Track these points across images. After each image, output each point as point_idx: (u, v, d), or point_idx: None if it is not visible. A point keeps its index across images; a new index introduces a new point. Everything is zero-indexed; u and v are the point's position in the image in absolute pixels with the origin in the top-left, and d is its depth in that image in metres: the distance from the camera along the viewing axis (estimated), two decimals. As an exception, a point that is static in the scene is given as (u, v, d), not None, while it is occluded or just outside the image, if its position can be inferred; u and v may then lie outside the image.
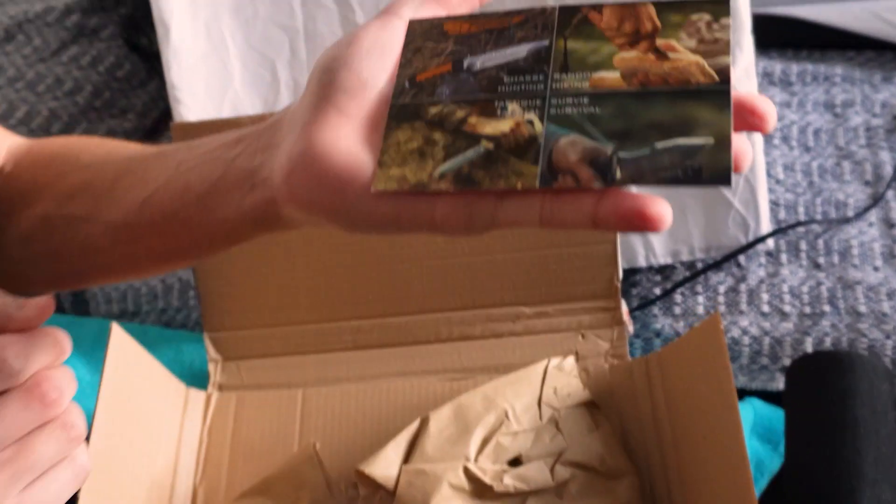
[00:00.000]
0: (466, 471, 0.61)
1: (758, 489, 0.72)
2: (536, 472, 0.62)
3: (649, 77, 0.29)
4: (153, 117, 0.87)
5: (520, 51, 0.31)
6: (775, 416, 0.74)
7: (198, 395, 0.73)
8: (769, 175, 0.84)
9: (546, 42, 0.31)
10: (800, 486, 0.60)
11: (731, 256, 0.78)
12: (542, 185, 0.28)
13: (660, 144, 0.28)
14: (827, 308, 0.77)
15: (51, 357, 0.32)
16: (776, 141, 0.87)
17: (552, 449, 0.64)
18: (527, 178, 0.29)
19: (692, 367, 0.65)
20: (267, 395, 0.73)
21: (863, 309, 0.77)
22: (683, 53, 0.29)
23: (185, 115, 0.71)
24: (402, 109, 0.32)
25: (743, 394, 0.76)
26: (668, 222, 0.27)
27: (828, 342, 0.75)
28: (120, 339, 0.63)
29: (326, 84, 0.32)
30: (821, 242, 0.81)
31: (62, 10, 0.89)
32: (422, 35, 0.33)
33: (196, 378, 0.75)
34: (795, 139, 0.88)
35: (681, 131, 0.28)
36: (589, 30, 0.31)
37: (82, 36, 0.89)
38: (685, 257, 0.79)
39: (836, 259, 0.80)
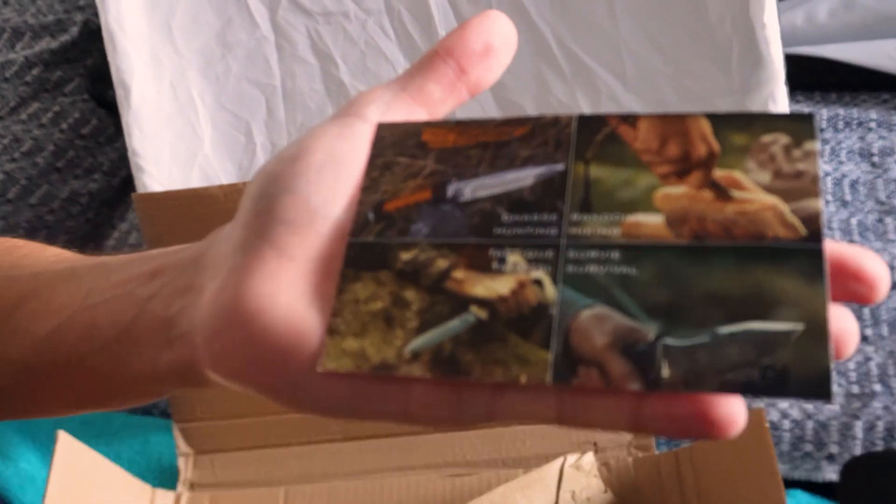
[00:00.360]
0: None
1: None
2: None
3: (706, 226, 0.21)
4: (122, 176, 0.79)
5: (524, 177, 0.23)
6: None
7: (166, 497, 0.66)
8: (804, 233, 0.75)
9: (560, 166, 0.23)
10: None
11: (766, 330, 0.70)
12: (556, 380, 0.20)
13: (724, 329, 0.20)
14: (878, 387, 0.68)
15: None
16: (810, 193, 0.79)
17: (569, 568, 0.56)
18: (534, 369, 0.20)
19: (730, 467, 0.57)
20: (245, 494, 0.67)
21: (917, 389, 0.68)
22: (753, 192, 0.21)
23: (150, 184, 0.64)
24: (364, 252, 0.24)
25: (785, 485, 0.68)
26: (742, 425, 0.19)
27: (880, 427, 0.66)
28: (68, 448, 0.56)
29: (263, 214, 0.24)
30: (867, 312, 0.72)
31: (22, 64, 0.82)
32: (393, 146, 0.25)
33: (165, 474, 0.68)
34: (831, 193, 0.79)
35: (754, 311, 0.19)
36: (619, 151, 0.22)
37: (44, 91, 0.82)
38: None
39: (885, 331, 0.71)
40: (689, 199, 0.21)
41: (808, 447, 0.68)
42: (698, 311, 0.20)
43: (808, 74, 0.85)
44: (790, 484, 0.68)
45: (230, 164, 0.66)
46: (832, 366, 0.19)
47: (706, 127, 0.22)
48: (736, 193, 0.21)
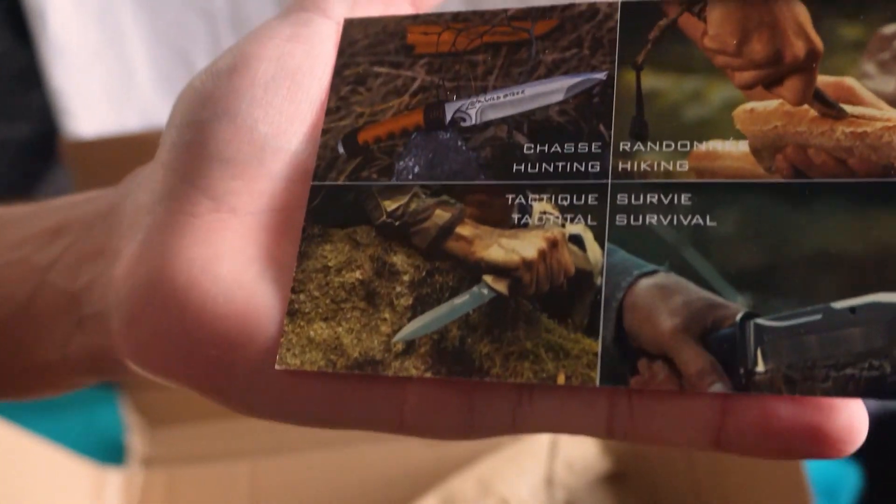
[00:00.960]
0: (459, 584, 0.49)
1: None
2: (548, 577, 0.51)
3: (809, 156, 0.16)
4: (54, 122, 0.73)
5: (552, 91, 0.18)
6: (837, 472, 0.62)
7: (115, 478, 0.61)
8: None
9: (601, 75, 0.17)
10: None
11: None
12: (608, 381, 0.15)
13: (842, 304, 0.15)
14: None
15: None
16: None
17: (568, 543, 0.53)
18: (576, 365, 0.15)
19: None
20: (206, 471, 0.63)
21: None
22: (874, 106, 0.16)
23: (78, 129, 0.57)
24: (334, 200, 0.18)
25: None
26: (861, 440, 0.15)
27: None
28: (-4, 431, 0.51)
29: (193, 150, 0.19)
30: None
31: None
32: (368, 51, 0.19)
33: (115, 451, 0.63)
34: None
35: (884, 276, 0.14)
36: (682, 51, 0.17)
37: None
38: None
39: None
40: (783, 118, 0.16)
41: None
42: (803, 278, 0.15)
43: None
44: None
45: (172, 102, 0.59)
46: None
47: (803, 15, 0.17)
48: (850, 109, 0.16)
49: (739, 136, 0.16)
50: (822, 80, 0.16)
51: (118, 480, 0.61)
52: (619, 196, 0.16)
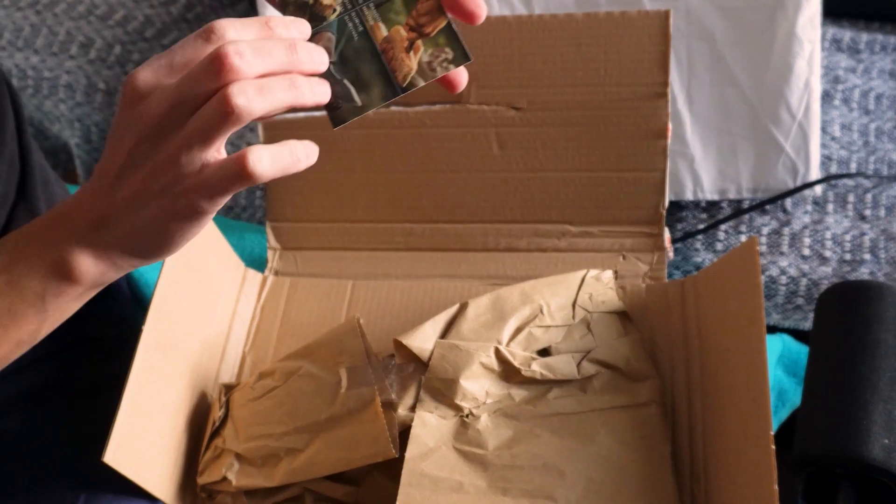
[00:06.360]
0: (497, 353, 0.67)
1: (778, 418, 0.77)
2: (563, 364, 0.68)
3: None
4: None
5: None
6: (803, 351, 0.78)
7: (255, 276, 0.81)
8: (825, 132, 0.88)
9: None
10: (815, 397, 0.64)
11: (778, 198, 0.83)
12: None
13: None
14: (867, 256, 0.81)
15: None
16: (836, 101, 0.91)
17: (581, 346, 0.69)
18: None
19: (725, 286, 0.68)
20: (319, 282, 0.80)
21: (904, 260, 0.80)
22: None
23: None
24: None
25: (776, 330, 0.81)
26: None
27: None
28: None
29: None
30: (869, 196, 0.85)
31: None
32: None
33: (254, 264, 0.83)
34: (856, 102, 0.92)
35: None
36: None
37: None
38: (732, 196, 0.83)
39: (882, 213, 0.83)
40: None
41: (800, 301, 0.81)
42: None
43: (856, 3, 0.97)
44: (781, 330, 0.81)
45: None
46: None
47: None
48: None
49: None
50: None
51: (257, 279, 0.81)
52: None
